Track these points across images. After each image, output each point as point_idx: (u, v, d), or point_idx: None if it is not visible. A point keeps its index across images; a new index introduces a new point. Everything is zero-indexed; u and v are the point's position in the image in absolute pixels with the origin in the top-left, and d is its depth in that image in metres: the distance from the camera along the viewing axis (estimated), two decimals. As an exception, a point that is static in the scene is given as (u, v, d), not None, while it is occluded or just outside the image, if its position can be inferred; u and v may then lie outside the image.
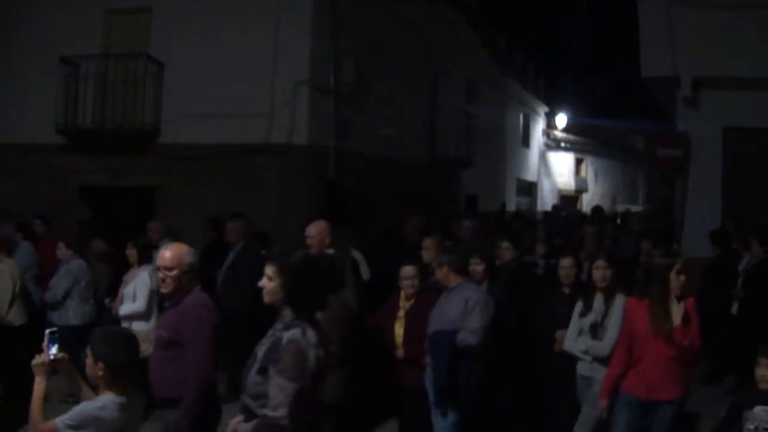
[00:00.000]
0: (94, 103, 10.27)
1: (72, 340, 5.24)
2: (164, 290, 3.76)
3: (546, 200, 24.81)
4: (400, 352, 5.05)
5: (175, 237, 7.97)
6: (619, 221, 13.67)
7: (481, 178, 18.20)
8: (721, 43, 8.39)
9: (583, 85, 27.62)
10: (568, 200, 26.02)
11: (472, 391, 4.73)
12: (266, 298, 3.13)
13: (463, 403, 4.73)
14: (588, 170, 28.33)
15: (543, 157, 25.72)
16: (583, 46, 26.02)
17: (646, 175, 30.54)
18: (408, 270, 5.13)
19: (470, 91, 17.88)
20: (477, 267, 5.37)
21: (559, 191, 26.54)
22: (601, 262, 4.87)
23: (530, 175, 24.39)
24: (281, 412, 2.83)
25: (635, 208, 21.31)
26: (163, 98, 10.15)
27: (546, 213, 16.24)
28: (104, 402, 2.99)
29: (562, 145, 26.81)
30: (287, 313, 3.04)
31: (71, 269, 6.67)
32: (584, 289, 5.04)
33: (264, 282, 3.10)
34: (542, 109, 26.11)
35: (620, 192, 30.38)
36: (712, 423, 6.10)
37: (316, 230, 5.62)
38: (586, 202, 25.63)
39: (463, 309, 4.71)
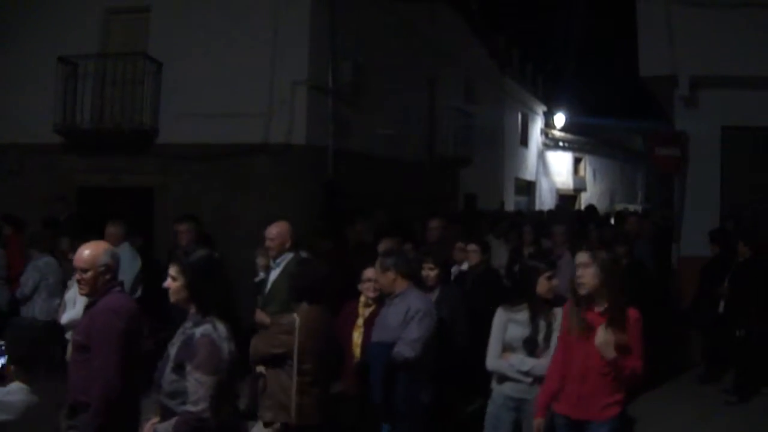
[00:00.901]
0: (93, 103, 10.24)
1: None
2: (81, 292, 3.69)
3: (545, 200, 24.84)
4: (357, 363, 4.68)
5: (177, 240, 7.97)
6: (612, 221, 13.42)
7: (479, 178, 18.20)
8: (719, 43, 8.39)
9: (582, 84, 27.68)
10: (566, 200, 26.05)
11: (410, 406, 4.37)
12: (172, 298, 3.14)
13: (401, 420, 4.39)
14: (586, 169, 28.34)
15: (541, 157, 25.73)
16: (582, 45, 26.07)
17: (644, 174, 30.55)
18: (370, 272, 4.76)
19: (468, 91, 17.88)
20: (429, 272, 5.03)
21: (558, 190, 26.55)
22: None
23: (529, 175, 24.40)
24: (202, 406, 2.87)
25: (634, 208, 21.33)
26: (162, 98, 10.13)
27: (539, 212, 15.90)
28: (11, 388, 3.25)
29: (561, 144, 26.83)
30: (194, 311, 3.09)
31: (38, 265, 6.74)
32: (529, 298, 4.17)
33: (168, 282, 3.12)
34: (540, 109, 26.13)
35: (619, 191, 30.40)
36: (711, 424, 6.13)
37: (277, 231, 5.36)
38: (585, 202, 25.64)
39: (404, 318, 4.37)
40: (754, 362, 6.67)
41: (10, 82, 10.62)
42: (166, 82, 10.10)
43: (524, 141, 24.01)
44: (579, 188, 27.69)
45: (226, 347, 3.01)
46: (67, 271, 6.87)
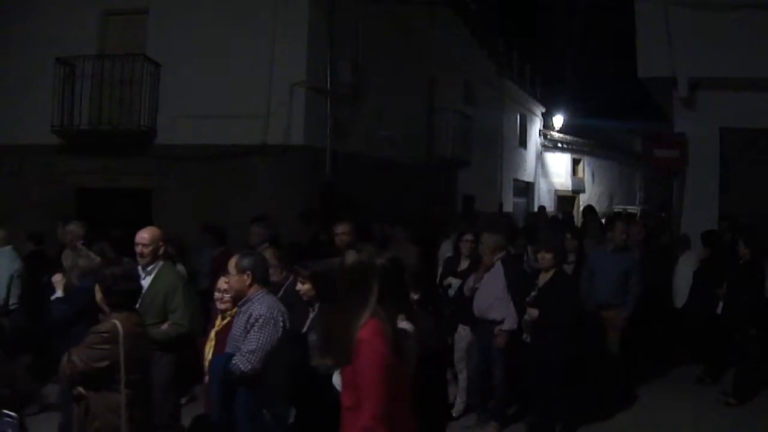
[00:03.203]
0: (91, 104, 10.23)
1: None
2: None
3: (543, 201, 24.82)
4: (204, 378, 4.26)
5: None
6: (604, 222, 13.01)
7: (478, 179, 18.20)
8: (717, 44, 8.40)
9: (580, 85, 27.69)
10: (565, 201, 26.03)
11: (253, 427, 3.89)
12: None
13: None
14: (585, 171, 28.32)
15: (540, 158, 25.73)
16: (580, 46, 26.10)
17: (643, 175, 30.55)
18: (222, 282, 4.37)
19: (467, 92, 17.90)
20: (301, 285, 4.50)
21: (556, 192, 26.55)
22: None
23: (527, 176, 24.39)
24: None
25: (632, 209, 21.33)
26: (160, 99, 10.13)
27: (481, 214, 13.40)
28: None
29: (559, 145, 26.82)
30: None
31: None
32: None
33: None
34: (539, 110, 26.14)
35: (618, 193, 30.38)
36: (709, 425, 6.12)
37: (150, 236, 4.92)
38: (584, 203, 25.62)
39: (245, 327, 3.96)
40: (754, 364, 6.65)
41: (9, 83, 10.61)
42: (164, 83, 10.10)
43: (523, 142, 24.00)
44: (578, 190, 27.67)
45: None
46: None
